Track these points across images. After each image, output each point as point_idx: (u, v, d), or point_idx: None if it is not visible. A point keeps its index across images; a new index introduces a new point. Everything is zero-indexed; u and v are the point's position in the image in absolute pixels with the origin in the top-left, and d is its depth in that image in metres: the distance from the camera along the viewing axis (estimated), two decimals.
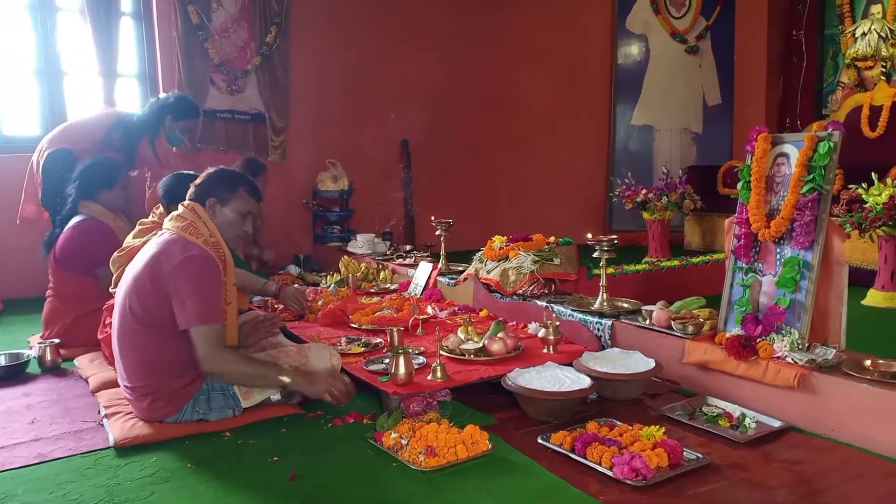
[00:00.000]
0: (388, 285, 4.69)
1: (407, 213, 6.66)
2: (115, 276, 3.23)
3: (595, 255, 3.31)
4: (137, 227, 3.41)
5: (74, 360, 3.43)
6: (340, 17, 6.53)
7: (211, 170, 2.72)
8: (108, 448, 2.39)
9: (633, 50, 7.38)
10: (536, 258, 3.78)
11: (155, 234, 3.12)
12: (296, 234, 6.38)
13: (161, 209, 3.45)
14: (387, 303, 4.01)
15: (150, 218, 3.48)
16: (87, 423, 2.64)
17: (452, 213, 4.83)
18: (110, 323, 3.16)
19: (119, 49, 5.48)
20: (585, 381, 2.58)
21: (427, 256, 5.03)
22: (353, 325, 3.64)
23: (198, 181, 2.68)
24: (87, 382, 3.09)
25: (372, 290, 4.56)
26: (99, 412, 2.70)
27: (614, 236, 3.30)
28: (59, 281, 3.77)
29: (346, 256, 5.15)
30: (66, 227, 3.77)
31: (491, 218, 7.03)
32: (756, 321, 2.65)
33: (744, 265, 2.78)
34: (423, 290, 4.34)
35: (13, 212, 4.73)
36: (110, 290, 3.25)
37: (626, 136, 7.39)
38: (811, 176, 2.57)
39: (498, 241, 4.03)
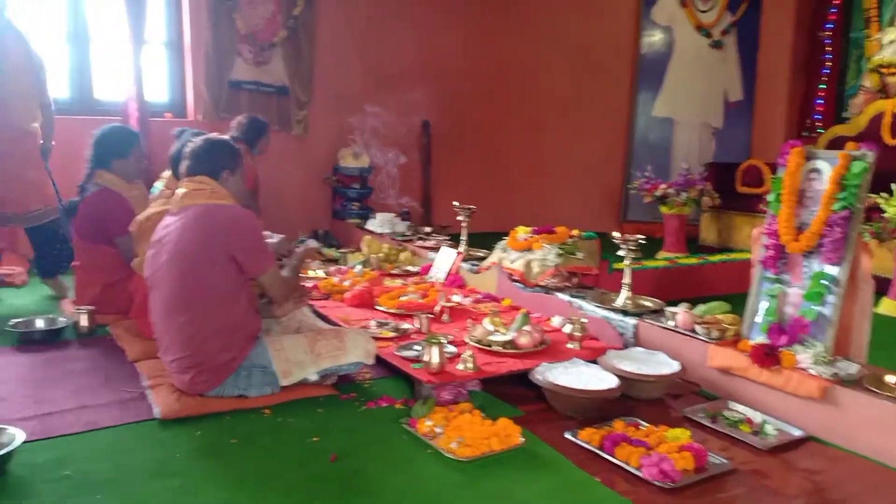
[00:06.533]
0: (409, 267, 4.76)
1: (425, 193, 6.72)
2: (136, 247, 3.27)
3: (621, 252, 3.39)
4: (152, 198, 3.48)
5: (108, 328, 3.52)
6: None
7: (208, 141, 2.75)
8: (153, 420, 2.49)
9: (657, 40, 7.36)
10: (560, 251, 3.85)
11: (164, 204, 3.16)
12: (315, 208, 6.46)
13: (169, 173, 3.48)
14: (412, 287, 4.08)
15: (160, 183, 3.54)
16: (130, 392, 2.72)
17: (467, 195, 4.86)
18: (141, 300, 3.25)
19: (147, 16, 5.50)
20: (612, 380, 2.67)
21: (447, 240, 5.10)
22: (379, 307, 3.71)
23: (199, 155, 2.69)
24: (124, 351, 3.18)
25: (394, 272, 4.63)
26: (140, 382, 2.80)
27: (641, 236, 3.38)
28: (82, 252, 3.80)
29: (367, 236, 5.21)
30: (83, 199, 3.78)
31: (506, 201, 7.12)
32: (781, 331, 2.73)
33: (771, 275, 2.86)
34: (446, 275, 4.41)
35: None
36: (132, 265, 3.31)
37: (646, 127, 7.41)
38: (843, 194, 2.63)
39: (522, 231, 4.09)
